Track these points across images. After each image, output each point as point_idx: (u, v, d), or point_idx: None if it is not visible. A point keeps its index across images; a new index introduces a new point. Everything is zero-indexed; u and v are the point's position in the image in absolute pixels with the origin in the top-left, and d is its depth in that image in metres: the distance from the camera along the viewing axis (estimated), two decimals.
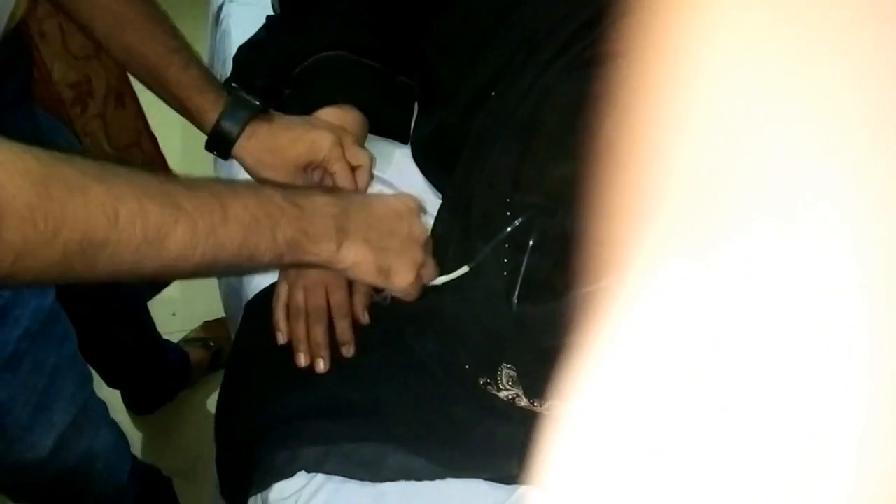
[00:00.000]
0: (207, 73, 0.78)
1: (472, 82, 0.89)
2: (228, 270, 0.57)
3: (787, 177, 0.14)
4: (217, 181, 0.58)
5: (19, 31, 0.73)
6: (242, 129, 0.77)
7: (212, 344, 1.58)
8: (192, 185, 0.54)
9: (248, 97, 0.79)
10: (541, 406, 0.73)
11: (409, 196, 0.78)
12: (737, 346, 0.15)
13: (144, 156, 1.47)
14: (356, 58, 0.90)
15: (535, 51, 0.84)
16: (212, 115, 0.77)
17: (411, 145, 0.96)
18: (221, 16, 1.20)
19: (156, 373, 1.45)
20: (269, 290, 0.81)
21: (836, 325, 0.14)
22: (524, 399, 0.74)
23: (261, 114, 0.79)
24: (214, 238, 0.53)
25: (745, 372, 0.14)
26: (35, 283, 0.66)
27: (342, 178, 0.80)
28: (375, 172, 0.92)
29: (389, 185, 0.93)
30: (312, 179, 0.83)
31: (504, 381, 0.74)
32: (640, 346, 0.16)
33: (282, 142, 0.78)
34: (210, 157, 0.81)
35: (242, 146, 0.78)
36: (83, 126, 1.32)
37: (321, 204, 0.65)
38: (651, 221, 0.16)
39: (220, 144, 0.79)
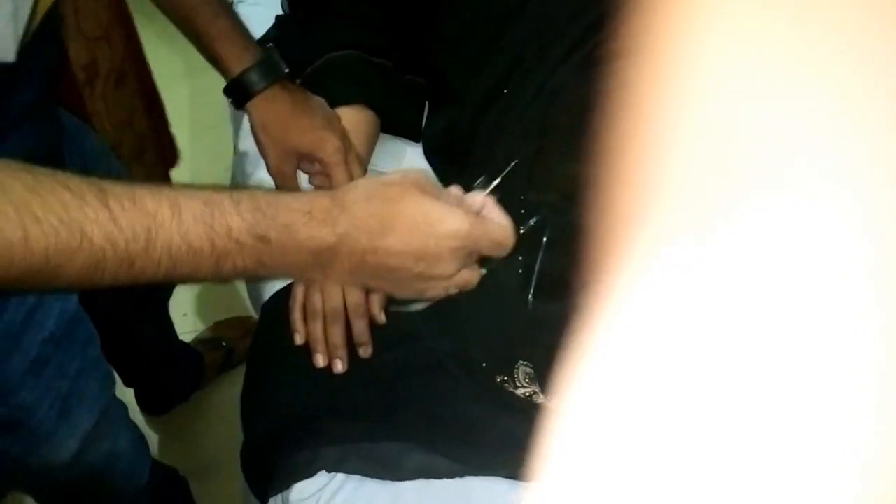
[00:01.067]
0: (237, 26, 0.79)
1: (482, 81, 0.89)
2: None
3: (793, 153, 0.14)
4: (167, 194, 0.52)
5: (51, 24, 0.71)
6: (266, 87, 0.78)
7: (224, 344, 1.59)
8: (123, 207, 0.49)
9: (282, 62, 0.79)
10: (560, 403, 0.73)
11: (460, 221, 0.62)
12: (740, 332, 0.14)
13: (135, 135, 1.49)
14: (367, 57, 0.90)
15: (545, 49, 0.84)
16: (234, 66, 0.77)
17: (423, 144, 0.96)
18: None
19: (171, 373, 1.45)
20: (285, 291, 0.82)
21: (843, 306, 0.14)
22: (542, 396, 0.74)
23: (289, 82, 0.80)
24: (129, 267, 0.50)
25: (749, 360, 0.14)
26: None
27: (338, 179, 0.80)
28: (388, 171, 0.93)
29: None
30: (314, 169, 0.83)
31: (521, 378, 0.75)
32: (642, 336, 0.16)
33: (294, 122, 0.79)
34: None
35: (258, 103, 0.79)
36: (91, 106, 1.34)
37: (305, 237, 0.57)
38: (653, 204, 0.16)
39: (239, 93, 0.79)
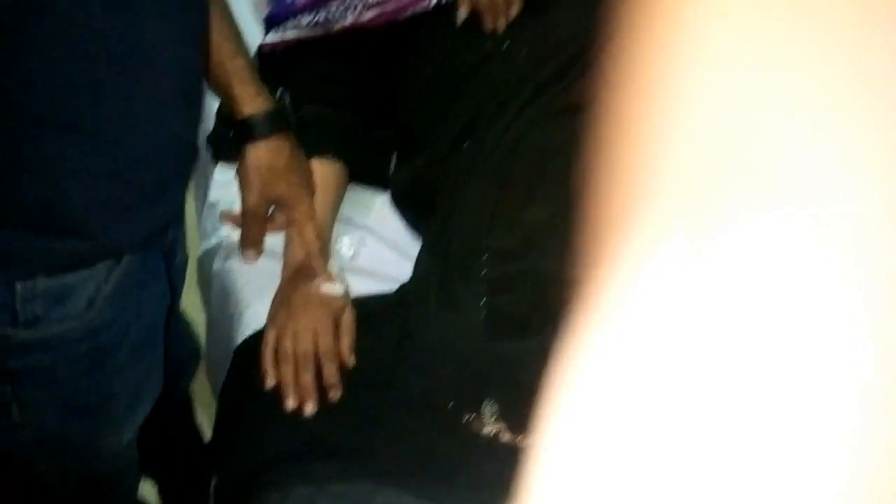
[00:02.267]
0: (252, 68, 0.82)
1: (446, 134, 0.93)
2: None
3: (791, 165, 0.14)
4: None
5: None
6: (271, 135, 0.81)
7: None
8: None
9: (292, 114, 0.83)
10: (526, 441, 0.75)
11: None
12: (732, 336, 0.15)
13: None
14: (337, 111, 0.94)
15: (505, 102, 0.89)
16: (245, 107, 0.79)
17: (391, 192, 1.00)
18: None
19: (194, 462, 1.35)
20: (257, 335, 0.84)
21: (834, 317, 0.14)
22: (508, 433, 0.76)
23: (291, 133, 0.83)
24: None
25: (740, 365, 0.14)
26: None
27: (306, 235, 0.85)
28: (357, 218, 0.96)
29: (371, 231, 0.96)
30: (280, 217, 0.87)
31: (488, 416, 0.77)
32: (633, 341, 0.16)
33: (284, 174, 0.82)
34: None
35: (259, 148, 0.81)
36: None
37: None
38: (649, 203, 0.16)
39: (242, 135, 0.81)
